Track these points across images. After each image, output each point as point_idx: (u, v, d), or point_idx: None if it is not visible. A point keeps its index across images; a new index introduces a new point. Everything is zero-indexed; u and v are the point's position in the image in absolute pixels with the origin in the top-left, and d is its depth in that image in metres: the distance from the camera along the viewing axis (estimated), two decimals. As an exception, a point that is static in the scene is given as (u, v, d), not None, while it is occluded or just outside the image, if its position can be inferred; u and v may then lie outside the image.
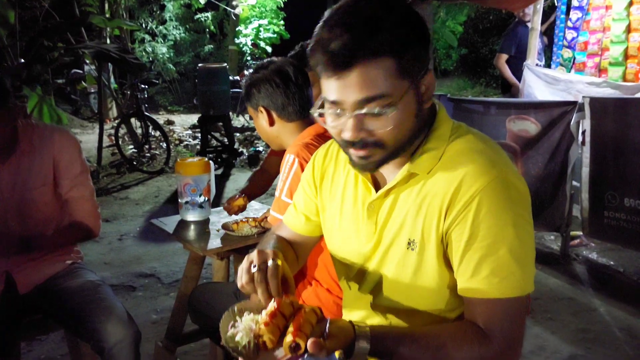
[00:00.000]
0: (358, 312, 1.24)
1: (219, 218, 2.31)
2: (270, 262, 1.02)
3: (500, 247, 0.97)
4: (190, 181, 2.22)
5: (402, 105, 0.97)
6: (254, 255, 1.05)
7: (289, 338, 0.91)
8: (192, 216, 2.27)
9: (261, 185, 2.45)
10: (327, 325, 0.94)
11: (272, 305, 0.98)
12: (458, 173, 1.01)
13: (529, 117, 3.64)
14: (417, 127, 1.04)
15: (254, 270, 1.02)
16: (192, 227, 2.23)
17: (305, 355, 0.90)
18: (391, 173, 1.11)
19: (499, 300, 0.98)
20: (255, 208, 2.46)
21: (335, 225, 1.23)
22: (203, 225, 2.24)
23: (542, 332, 2.85)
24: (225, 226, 2.14)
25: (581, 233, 3.73)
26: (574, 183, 3.61)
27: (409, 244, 1.07)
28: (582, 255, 3.84)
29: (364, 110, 0.96)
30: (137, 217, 4.98)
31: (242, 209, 2.26)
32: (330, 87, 0.98)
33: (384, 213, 1.11)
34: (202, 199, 2.25)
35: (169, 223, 2.27)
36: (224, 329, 1.00)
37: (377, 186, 1.14)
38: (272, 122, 1.81)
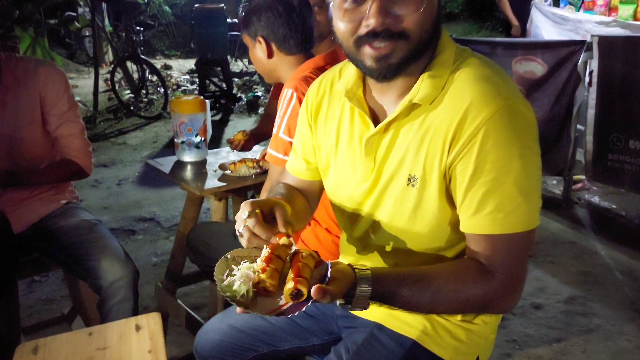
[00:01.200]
0: (355, 254, 1.20)
1: (216, 159, 2.26)
2: (245, 215, 0.97)
3: (505, 180, 0.92)
4: (186, 120, 2.16)
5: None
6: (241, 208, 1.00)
7: (289, 285, 0.87)
8: (188, 157, 2.21)
9: (268, 128, 2.38)
10: (329, 269, 0.90)
11: (266, 251, 0.94)
12: (462, 103, 0.94)
13: (536, 58, 3.52)
14: (435, 29, 0.97)
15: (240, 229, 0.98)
16: (189, 167, 2.18)
17: (309, 302, 0.86)
18: (391, 104, 1.04)
19: (502, 235, 0.94)
20: (254, 150, 2.40)
21: (330, 164, 1.17)
22: (200, 166, 2.19)
23: (543, 274, 2.85)
24: (222, 166, 2.09)
25: (584, 177, 3.69)
26: (578, 126, 3.53)
27: (409, 180, 1.02)
28: (584, 199, 3.82)
29: None
30: (136, 163, 4.94)
31: (245, 146, 2.20)
32: None
33: (383, 149, 1.05)
34: (198, 139, 2.19)
35: (165, 164, 2.22)
36: (219, 278, 0.96)
37: (375, 121, 1.07)
38: (270, 54, 1.71)
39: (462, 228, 0.99)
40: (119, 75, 7.09)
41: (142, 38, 7.30)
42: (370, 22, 0.91)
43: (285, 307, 0.89)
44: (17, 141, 1.79)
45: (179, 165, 2.21)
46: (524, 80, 3.60)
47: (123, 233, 3.47)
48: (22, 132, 1.79)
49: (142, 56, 6.60)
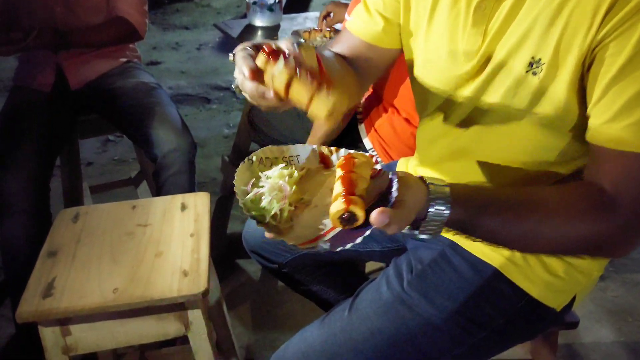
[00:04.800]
0: (433, 159, 0.96)
1: (291, 25, 2.00)
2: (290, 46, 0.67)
3: None
4: (260, -24, 1.89)
5: None
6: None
7: (338, 204, 0.62)
8: (260, 20, 1.98)
9: None
10: (394, 183, 0.63)
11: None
12: None
13: None
14: None
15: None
16: (260, 33, 1.96)
17: (367, 231, 0.61)
18: None
19: None
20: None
21: (420, 29, 0.87)
22: (272, 32, 1.96)
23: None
24: (295, 34, 1.83)
25: None
26: None
27: (530, 65, 0.74)
28: None
29: None
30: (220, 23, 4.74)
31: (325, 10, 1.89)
32: None
33: (499, 19, 0.76)
34: (272, 0, 1.92)
35: (235, 27, 2.00)
36: (242, 189, 0.71)
37: None
38: None
39: (588, 137, 0.72)
40: None
41: None
42: None
43: (330, 233, 0.65)
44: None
45: (249, 29, 1.99)
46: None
47: (198, 100, 3.38)
48: None
49: None
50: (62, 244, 1.11)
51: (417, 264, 0.93)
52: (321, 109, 0.62)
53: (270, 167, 0.75)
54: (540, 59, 0.72)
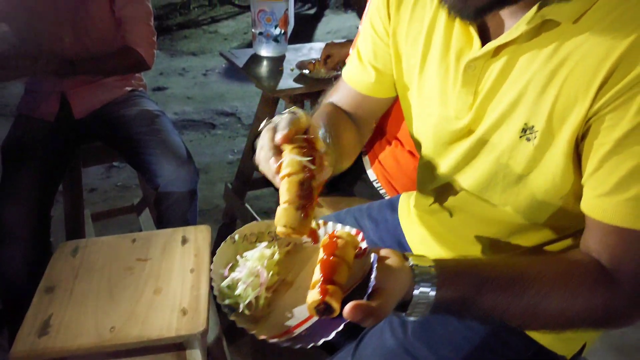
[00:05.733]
0: (426, 209, 0.94)
1: (296, 56, 2.00)
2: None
3: None
4: (266, 8, 1.89)
5: None
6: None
7: (314, 294, 0.58)
8: (265, 51, 1.98)
9: None
10: (374, 267, 0.60)
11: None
12: (630, 27, 0.60)
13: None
14: None
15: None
16: (265, 63, 1.95)
17: (341, 327, 0.57)
18: (510, 15, 0.69)
19: None
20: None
21: (412, 86, 0.85)
22: (277, 62, 1.95)
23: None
24: (300, 65, 1.84)
25: None
26: None
27: (524, 131, 0.70)
28: None
29: None
30: (226, 51, 4.78)
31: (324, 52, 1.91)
32: None
33: (489, 80, 0.72)
34: (277, 31, 1.93)
35: (241, 56, 2.00)
36: (219, 273, 0.66)
37: (484, 36, 0.73)
38: None
39: (584, 208, 0.69)
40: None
41: None
42: None
43: (305, 325, 0.61)
44: (83, 16, 1.65)
45: (255, 59, 1.99)
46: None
47: (203, 126, 3.38)
48: (89, 5, 1.64)
49: (240, -61, 6.23)
50: (60, 279, 1.09)
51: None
52: (282, 218, 0.62)
53: (256, 242, 0.72)
54: (533, 126, 0.69)
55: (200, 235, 1.23)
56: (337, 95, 0.99)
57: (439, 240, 0.93)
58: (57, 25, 1.63)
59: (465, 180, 0.82)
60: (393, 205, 1.11)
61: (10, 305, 1.52)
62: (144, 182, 1.94)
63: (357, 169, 1.51)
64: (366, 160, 1.49)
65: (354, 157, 1.01)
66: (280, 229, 0.61)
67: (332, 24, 5.65)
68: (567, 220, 0.75)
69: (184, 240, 1.22)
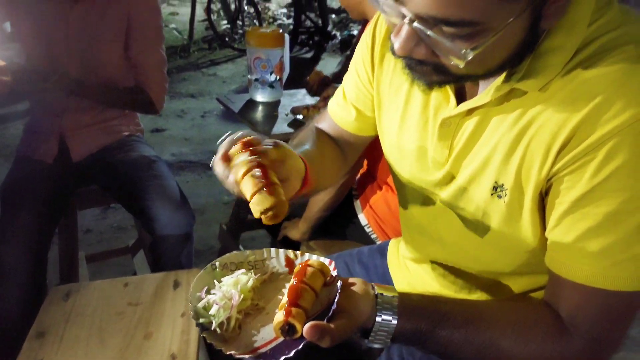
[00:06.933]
0: (416, 255, 0.97)
1: (290, 101, 2.06)
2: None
3: (626, 220, 0.63)
4: (262, 55, 1.96)
5: (498, 38, 0.59)
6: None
7: (280, 316, 0.65)
8: (261, 96, 2.03)
9: None
10: (337, 295, 0.65)
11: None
12: (593, 93, 0.63)
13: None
14: (517, 50, 0.65)
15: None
16: (260, 108, 2.00)
17: (300, 345, 0.63)
18: (483, 81, 0.74)
19: (600, 290, 0.66)
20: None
21: (392, 133, 0.89)
22: (272, 107, 2.00)
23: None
24: (294, 110, 1.89)
25: None
26: None
27: (494, 189, 0.74)
28: None
29: (429, 32, 0.59)
30: (222, 95, 4.86)
31: (320, 90, 1.97)
32: None
33: (463, 137, 0.76)
34: (273, 77, 1.99)
35: (237, 101, 2.06)
36: (196, 296, 0.73)
37: (460, 95, 0.77)
38: (355, -17, 1.45)
39: (546, 261, 0.71)
40: (218, 5, 7.00)
41: (242, -34, 7.10)
42: (394, 44, 0.63)
43: (271, 345, 0.66)
44: (93, 55, 1.69)
45: (251, 104, 2.04)
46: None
47: (200, 167, 3.42)
48: (101, 47, 1.69)
49: (240, -14, 6.44)
50: (51, 325, 1.09)
51: (409, 356, 0.91)
52: (255, 208, 0.65)
53: (235, 271, 0.77)
54: (503, 184, 0.72)
55: (192, 279, 1.23)
56: (324, 125, 1.04)
57: (423, 287, 0.95)
58: (65, 54, 1.67)
59: (443, 229, 0.85)
60: (382, 251, 1.13)
61: (2, 348, 1.51)
62: (140, 224, 1.95)
63: (349, 213, 1.53)
64: (357, 204, 1.52)
65: (340, 175, 1.07)
66: (263, 219, 0.66)
67: (329, 66, 5.77)
68: (541, 270, 0.77)
69: (176, 284, 1.23)
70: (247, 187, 0.66)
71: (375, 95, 0.91)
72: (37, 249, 1.53)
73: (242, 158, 0.68)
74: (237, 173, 0.67)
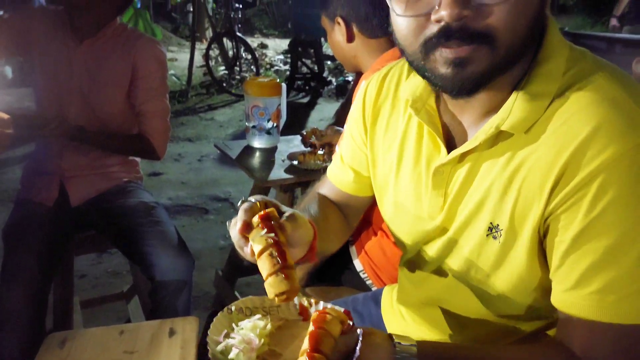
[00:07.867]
0: (412, 303, 0.99)
1: (287, 147, 2.10)
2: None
3: (627, 252, 0.66)
4: (259, 103, 2.01)
5: None
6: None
7: None
8: (258, 142, 2.07)
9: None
10: (359, 343, 0.67)
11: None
12: (576, 133, 0.66)
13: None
14: (534, 25, 0.70)
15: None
16: (257, 154, 2.04)
17: None
18: (472, 124, 0.78)
19: (611, 325, 0.68)
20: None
21: (389, 186, 0.92)
22: (269, 154, 2.04)
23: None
24: (291, 156, 1.92)
25: None
26: None
27: (490, 230, 0.76)
28: None
29: None
30: (219, 140, 4.93)
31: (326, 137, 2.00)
32: None
33: (456, 184, 0.79)
34: (270, 124, 2.03)
35: (234, 147, 2.09)
36: (214, 339, 0.74)
37: (449, 143, 0.81)
38: (350, 37, 1.51)
39: (554, 302, 0.73)
40: (216, 52, 7.18)
41: (240, 15, 7.32)
42: (442, 15, 0.65)
43: None
44: (95, 97, 1.72)
45: (248, 150, 2.07)
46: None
47: (196, 211, 3.44)
48: (104, 89, 1.72)
49: (238, 33, 6.62)
50: (46, 373, 1.08)
51: None
52: (270, 290, 0.68)
53: (250, 316, 0.78)
54: (498, 225, 0.75)
55: (188, 326, 1.24)
56: (323, 189, 1.08)
57: (419, 335, 0.96)
58: (69, 94, 1.71)
59: (441, 277, 0.87)
60: (376, 299, 1.14)
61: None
62: (136, 269, 1.95)
63: (344, 259, 1.54)
64: (353, 250, 1.53)
65: (343, 240, 1.09)
66: (276, 300, 0.68)
67: (325, 111, 5.88)
68: (541, 312, 0.79)
69: (172, 332, 1.22)
70: (264, 267, 0.69)
71: (370, 156, 0.96)
72: (38, 292, 1.53)
73: (258, 235, 0.70)
74: (254, 248, 0.71)
